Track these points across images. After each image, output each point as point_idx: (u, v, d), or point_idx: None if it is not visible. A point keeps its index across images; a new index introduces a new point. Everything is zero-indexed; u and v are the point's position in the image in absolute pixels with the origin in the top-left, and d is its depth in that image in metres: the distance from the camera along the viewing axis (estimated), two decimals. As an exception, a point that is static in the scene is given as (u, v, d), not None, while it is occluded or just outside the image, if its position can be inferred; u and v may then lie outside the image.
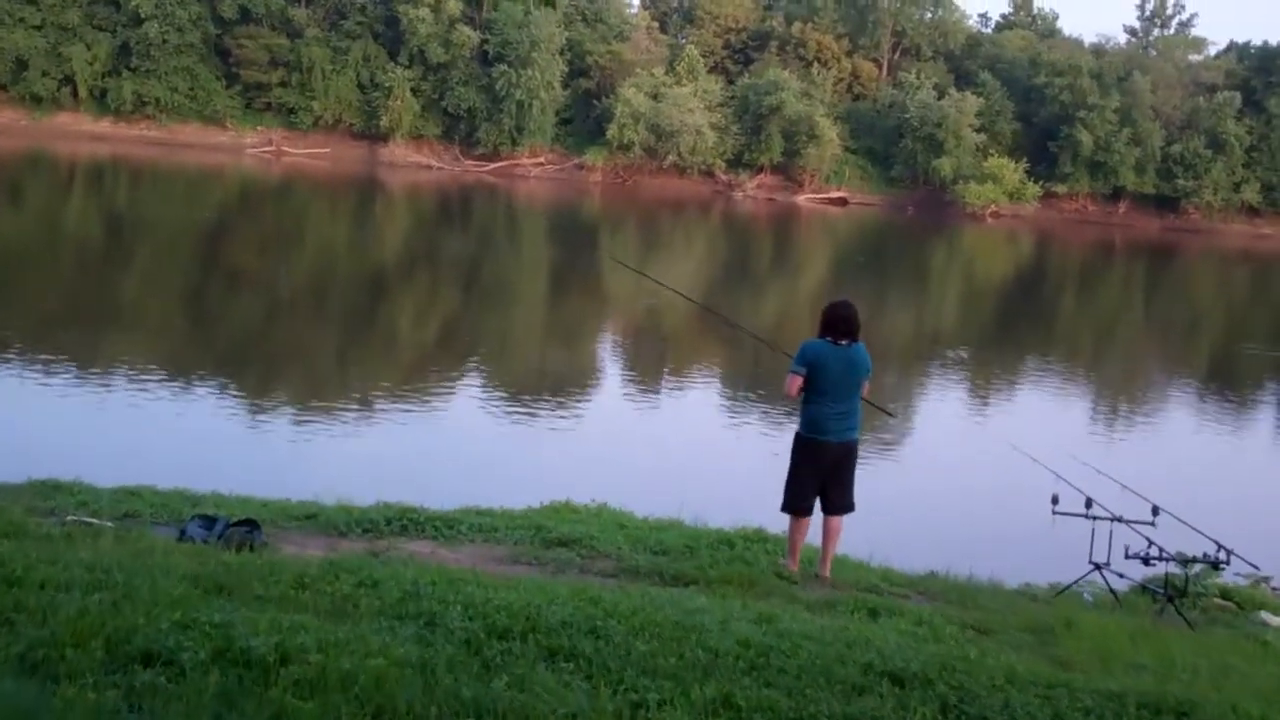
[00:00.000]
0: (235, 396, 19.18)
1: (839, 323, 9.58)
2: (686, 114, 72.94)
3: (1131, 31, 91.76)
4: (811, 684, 5.62)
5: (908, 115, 77.49)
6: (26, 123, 72.12)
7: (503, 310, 33.06)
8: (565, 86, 76.05)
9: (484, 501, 12.17)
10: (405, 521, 10.13)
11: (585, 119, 77.40)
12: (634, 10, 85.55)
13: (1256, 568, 11.00)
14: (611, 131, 73.33)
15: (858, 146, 79.76)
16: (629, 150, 73.95)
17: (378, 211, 58.53)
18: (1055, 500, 10.17)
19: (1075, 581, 10.84)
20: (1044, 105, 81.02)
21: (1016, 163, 77.45)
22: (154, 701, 4.51)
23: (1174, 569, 10.48)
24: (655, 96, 73.40)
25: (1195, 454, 21.21)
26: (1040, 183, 78.82)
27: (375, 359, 24.59)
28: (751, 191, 76.85)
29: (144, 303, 28.57)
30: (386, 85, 73.35)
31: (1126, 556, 10.22)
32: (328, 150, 74.57)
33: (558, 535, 10.13)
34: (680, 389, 24.16)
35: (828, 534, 9.79)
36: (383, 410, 18.95)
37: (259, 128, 75.54)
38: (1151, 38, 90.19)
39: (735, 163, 77.14)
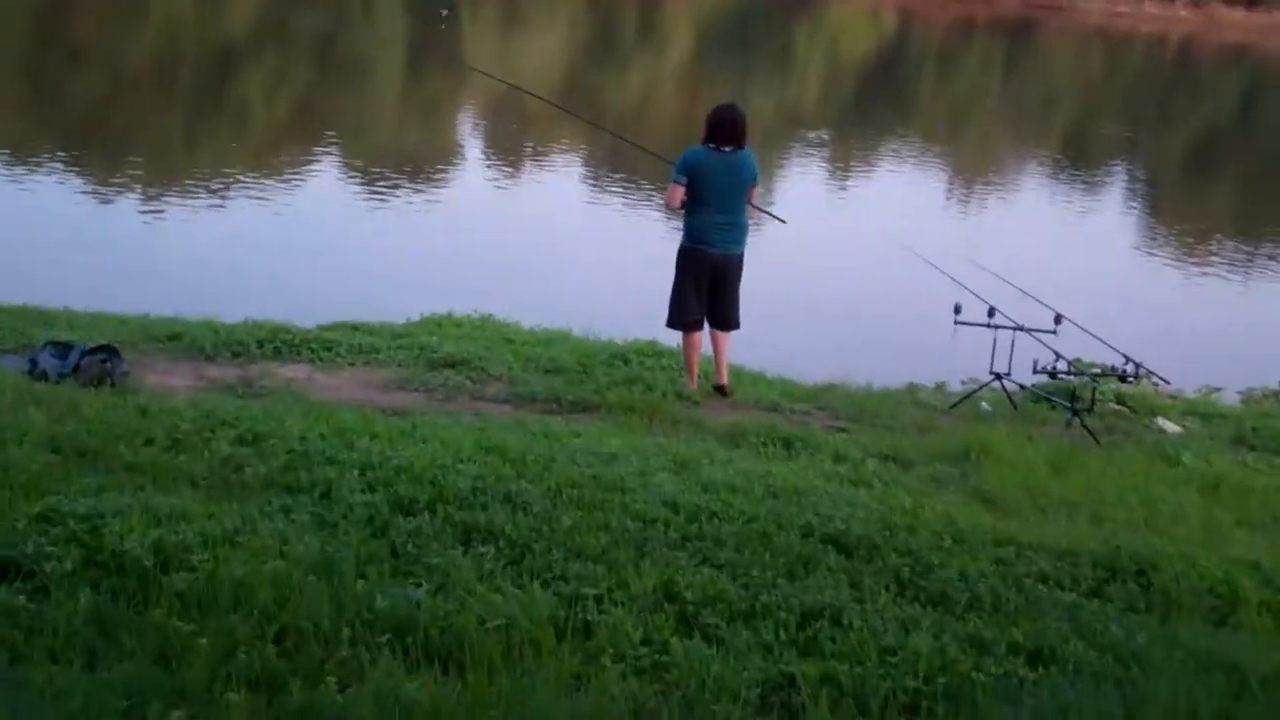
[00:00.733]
0: (79, 184, 17.95)
1: (723, 127, 9.07)
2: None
3: None
4: (755, 559, 5.11)
5: (774, -114, 75.33)
6: None
7: (357, 87, 31.75)
8: None
9: (357, 312, 11.46)
10: (278, 343, 9.36)
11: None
12: None
13: (1167, 381, 10.74)
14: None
15: (723, -82, 77.59)
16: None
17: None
18: (957, 310, 9.80)
19: (975, 391, 10.50)
20: (911, -123, 79.21)
21: (883, -62, 76.00)
22: (13, 632, 3.82)
23: (1079, 381, 10.25)
24: None
25: (1061, 240, 21.03)
26: (906, -42, 77.58)
27: (227, 141, 23.36)
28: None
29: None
30: None
31: (1035, 371, 9.93)
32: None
33: (444, 355, 9.47)
34: (553, 183, 23.29)
35: (717, 346, 9.43)
36: (238, 201, 17.87)
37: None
38: None
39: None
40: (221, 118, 25.69)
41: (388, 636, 4.07)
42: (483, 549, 4.91)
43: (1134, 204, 27.33)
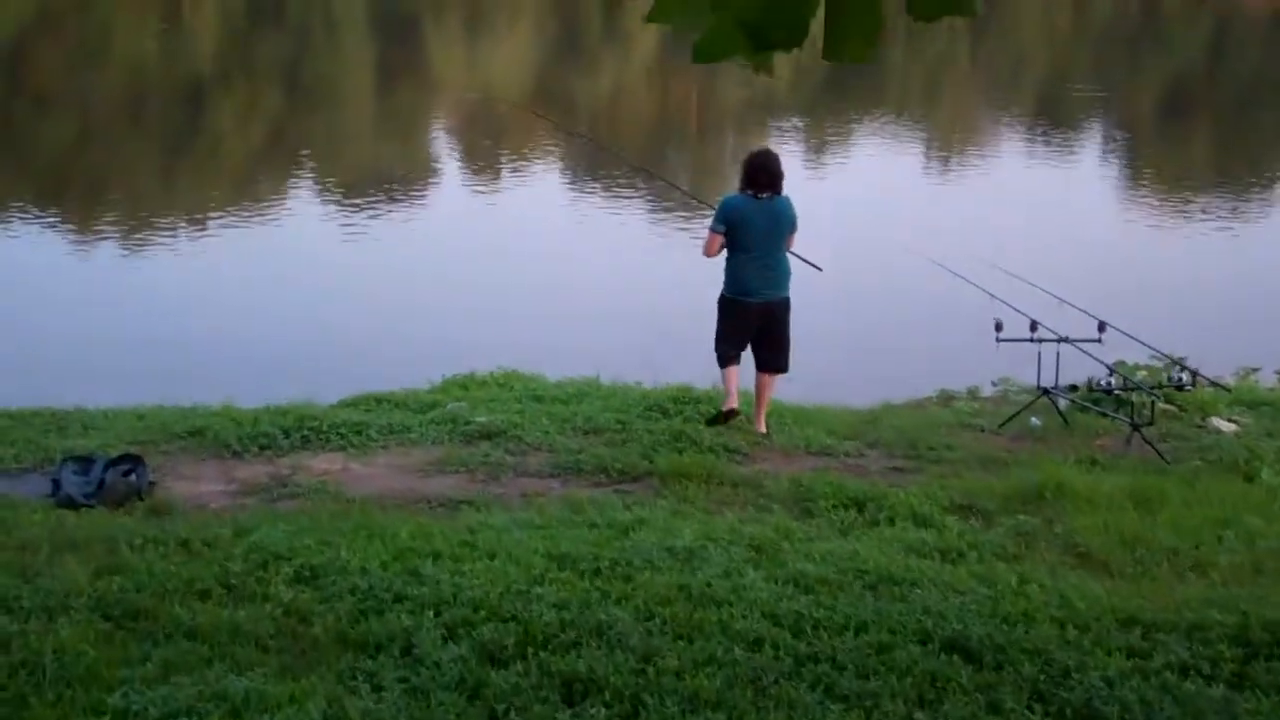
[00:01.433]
0: (58, 242, 17.59)
1: (759, 173, 8.95)
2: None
3: None
4: (882, 685, 4.68)
5: None
6: None
7: (330, 113, 31.31)
8: None
9: (372, 379, 11.10)
10: (305, 431, 8.86)
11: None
12: None
13: (1227, 389, 10.34)
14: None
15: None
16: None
17: (185, 11, 54.90)
18: (999, 327, 9.42)
19: (1024, 408, 10.12)
20: None
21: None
22: None
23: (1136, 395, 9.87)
24: None
25: (1054, 215, 20.67)
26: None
27: (205, 177, 23.06)
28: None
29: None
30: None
31: (1091, 389, 9.61)
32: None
33: (478, 427, 9.02)
34: (549, 217, 22.73)
35: (759, 389, 9.25)
36: (224, 253, 17.42)
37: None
38: None
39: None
40: (194, 158, 25.37)
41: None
42: (591, 710, 4.47)
43: (1111, 163, 27.30)
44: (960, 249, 16.31)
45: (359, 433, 8.95)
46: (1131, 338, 10.01)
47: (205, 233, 18.33)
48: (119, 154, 24.95)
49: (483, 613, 5.28)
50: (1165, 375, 9.77)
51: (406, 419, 9.31)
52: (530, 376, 10.85)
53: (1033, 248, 16.67)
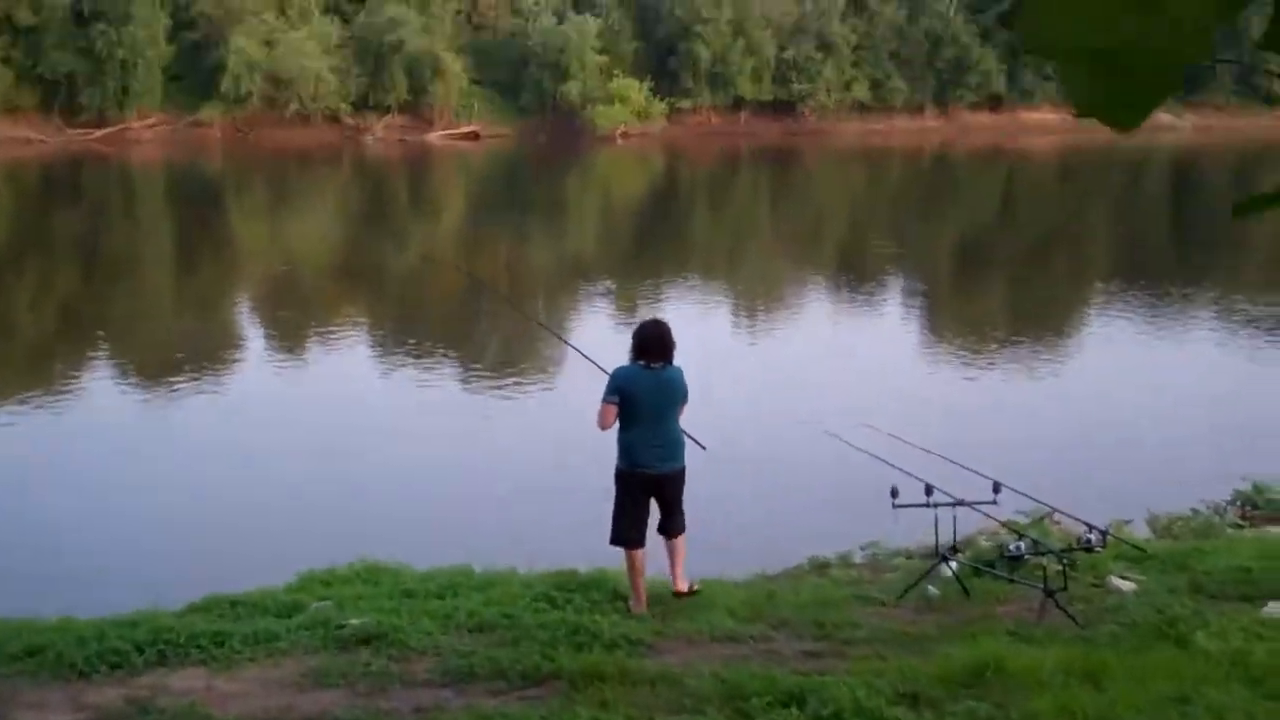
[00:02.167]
0: None
1: (651, 344, 8.98)
2: (304, 59, 69.36)
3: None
4: None
5: (531, 43, 76.20)
6: None
7: (135, 291, 30.43)
8: (171, 41, 70.97)
9: (214, 576, 10.38)
10: (160, 645, 8.03)
11: (196, 73, 72.42)
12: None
13: (1141, 549, 10.12)
14: (226, 84, 69.01)
15: (484, 78, 77.85)
16: (246, 102, 69.85)
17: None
18: (895, 493, 9.20)
19: (922, 578, 9.79)
20: (660, 22, 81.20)
21: (641, 82, 77.39)
22: None
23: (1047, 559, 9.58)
24: (269, 44, 69.38)
25: (925, 382, 20.91)
26: (665, 100, 79.04)
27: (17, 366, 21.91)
28: (381, 134, 73.95)
29: None
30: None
31: (1003, 556, 9.30)
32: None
33: (353, 632, 8.31)
34: (362, 370, 22.18)
35: (672, 554, 9.18)
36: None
37: None
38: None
39: (361, 105, 74.06)
40: None
41: None
42: None
43: (912, 318, 28.41)
44: (790, 406, 16.31)
45: (220, 644, 8.09)
46: (1029, 497, 9.85)
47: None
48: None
49: None
50: (1074, 539, 9.53)
51: (270, 625, 8.50)
52: (395, 568, 10.19)
53: (863, 404, 16.73)
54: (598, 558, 9.69)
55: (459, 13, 79.57)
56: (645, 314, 27.00)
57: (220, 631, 8.19)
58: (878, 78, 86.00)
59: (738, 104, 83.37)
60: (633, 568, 8.93)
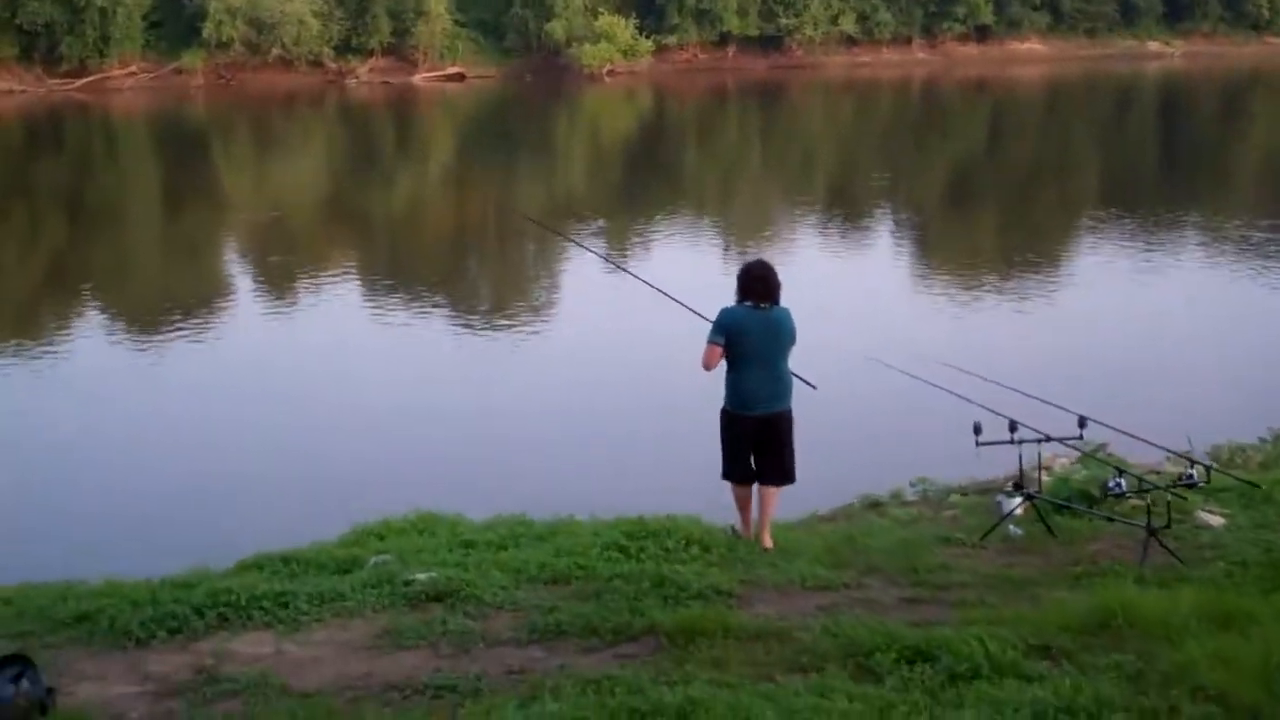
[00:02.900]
0: None
1: (757, 284, 8.83)
2: (285, 3, 68.05)
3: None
4: None
5: (514, -19, 74.94)
6: None
7: (142, 244, 29.86)
8: (150, -12, 69.72)
9: (257, 530, 9.98)
10: (220, 608, 7.56)
11: (177, 20, 70.99)
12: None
13: (1255, 484, 9.66)
14: (208, 30, 67.70)
15: (468, 19, 76.54)
16: (229, 48, 68.58)
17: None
18: (978, 430, 8.94)
19: (1005, 517, 9.38)
20: (645, -42, 79.96)
21: (627, 19, 76.31)
22: None
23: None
24: (250, -12, 68.09)
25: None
26: (651, 37, 77.97)
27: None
28: (365, 77, 72.77)
29: None
30: (-60, 6, 65.24)
31: (1107, 494, 8.85)
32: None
33: (421, 587, 7.87)
34: (367, 316, 21.67)
35: (762, 502, 9.05)
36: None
37: None
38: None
39: (344, 49, 72.70)
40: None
41: None
42: None
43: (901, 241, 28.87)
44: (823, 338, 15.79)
45: (284, 605, 7.64)
46: (1117, 430, 9.43)
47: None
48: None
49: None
50: (1178, 473, 9.09)
51: (334, 583, 8.05)
52: (452, 518, 9.76)
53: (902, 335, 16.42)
54: (649, 502, 9.50)
55: (440, -48, 78.14)
56: (639, 253, 26.75)
57: (283, 592, 7.74)
58: (864, 11, 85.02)
59: (724, 40, 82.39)
60: (740, 497, 9.02)
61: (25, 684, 6.33)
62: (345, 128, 59.77)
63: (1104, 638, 6.61)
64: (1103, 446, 10.76)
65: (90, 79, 67.76)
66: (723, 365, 8.79)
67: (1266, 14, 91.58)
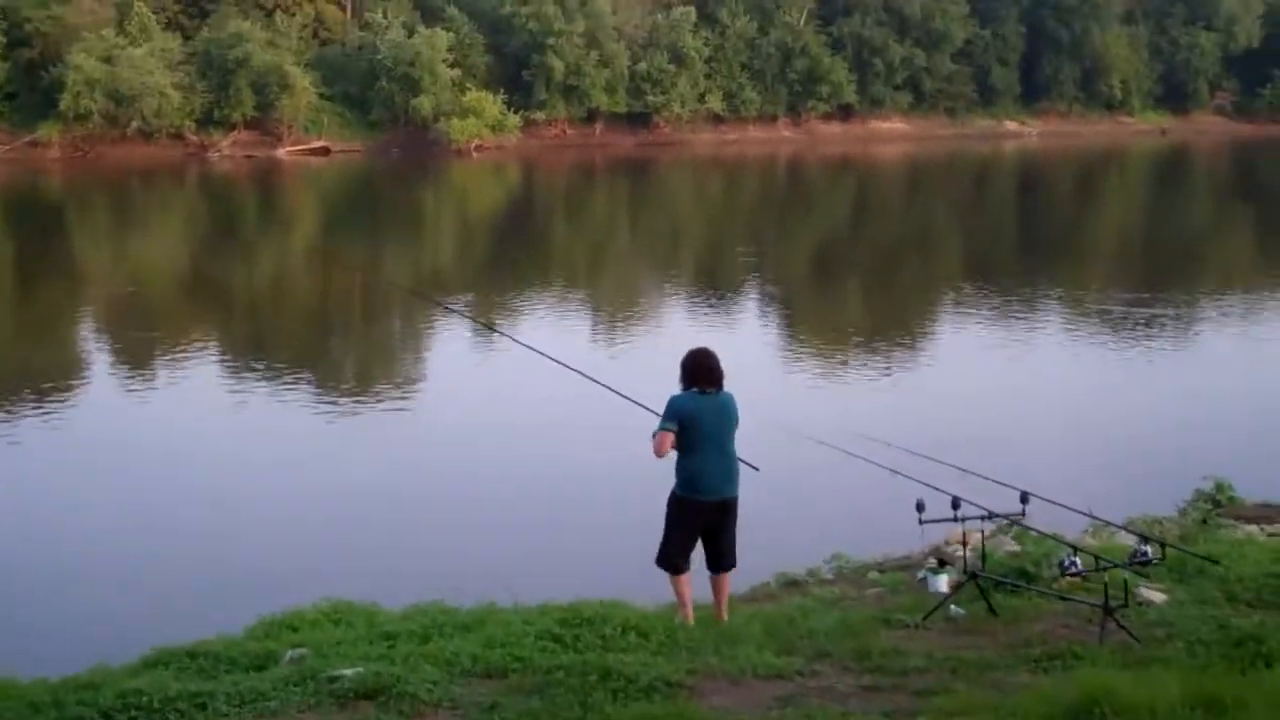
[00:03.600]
0: None
1: (704, 372, 8.88)
2: (146, 75, 66.77)
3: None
4: None
5: (380, 56, 74.45)
6: None
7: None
8: (5, 59, 67.94)
9: (158, 621, 9.28)
10: (133, 711, 6.89)
11: (32, 92, 69.36)
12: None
13: (1213, 560, 9.42)
14: (65, 102, 66.10)
15: (333, 93, 75.86)
16: (87, 120, 67.03)
17: None
18: (920, 507, 8.57)
19: (949, 598, 9.07)
20: (514, 35, 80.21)
21: (495, 95, 76.29)
22: None
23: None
24: (109, 60, 66.59)
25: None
26: (519, 112, 78.05)
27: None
28: (228, 150, 71.59)
29: None
30: None
31: (1063, 574, 8.58)
32: None
33: (349, 684, 7.26)
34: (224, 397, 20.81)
35: (717, 591, 9.05)
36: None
37: None
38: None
39: (206, 122, 71.53)
40: None
41: None
42: None
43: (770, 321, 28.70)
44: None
45: (202, 707, 6.93)
46: (1064, 506, 9.23)
47: None
48: None
49: None
50: (1131, 550, 8.83)
51: (252, 681, 7.38)
52: (368, 608, 9.18)
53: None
54: (567, 575, 9.49)
55: (305, 27, 77.50)
56: (522, 326, 26.25)
57: (198, 692, 7.07)
58: (731, 89, 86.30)
59: (592, 116, 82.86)
60: (681, 587, 8.90)
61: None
62: (207, 201, 58.65)
63: (1080, 724, 6.29)
64: (1018, 520, 10.52)
65: (-58, 152, 65.83)
66: (672, 455, 8.70)
67: (1119, 94, 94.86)
